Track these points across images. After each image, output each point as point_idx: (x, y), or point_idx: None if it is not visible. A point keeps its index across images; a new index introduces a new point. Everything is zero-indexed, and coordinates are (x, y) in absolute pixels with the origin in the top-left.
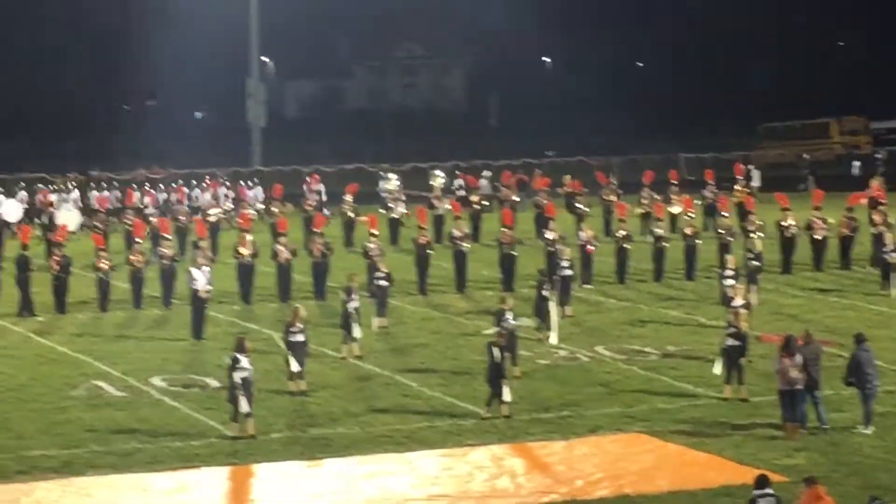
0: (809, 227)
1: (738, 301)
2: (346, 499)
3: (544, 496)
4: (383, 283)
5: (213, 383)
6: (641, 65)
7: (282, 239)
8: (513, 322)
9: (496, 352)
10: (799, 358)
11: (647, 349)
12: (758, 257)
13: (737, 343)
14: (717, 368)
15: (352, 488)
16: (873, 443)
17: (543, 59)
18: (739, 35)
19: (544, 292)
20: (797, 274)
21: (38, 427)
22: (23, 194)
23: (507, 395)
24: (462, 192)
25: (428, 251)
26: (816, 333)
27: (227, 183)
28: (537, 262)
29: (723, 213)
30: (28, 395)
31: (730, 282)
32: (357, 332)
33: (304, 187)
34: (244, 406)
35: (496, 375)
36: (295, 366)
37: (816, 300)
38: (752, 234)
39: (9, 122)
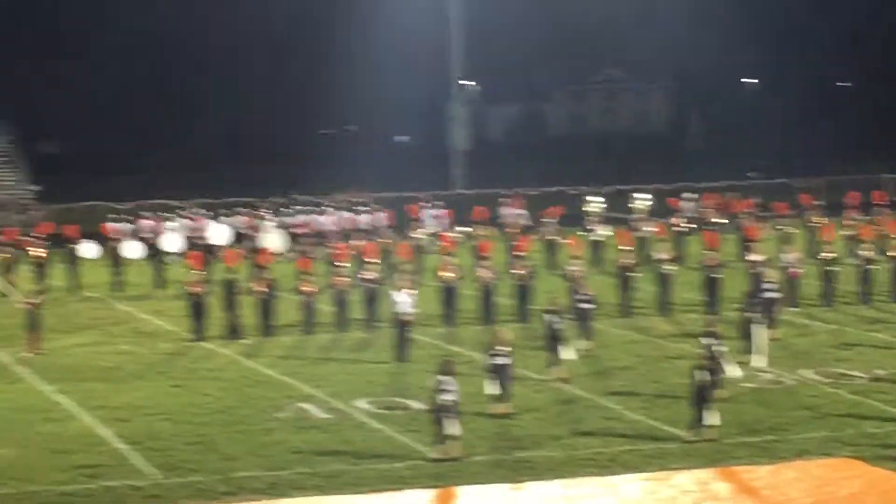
0: None
1: None
2: None
3: None
4: (586, 305)
5: (417, 405)
6: (845, 84)
7: (484, 262)
8: (717, 346)
9: (700, 374)
10: None
11: (853, 372)
12: None
13: None
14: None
15: None
16: None
17: (744, 80)
18: None
19: (749, 315)
20: None
21: (245, 448)
22: (231, 219)
23: (712, 418)
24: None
25: (631, 273)
26: None
27: (433, 205)
28: (741, 284)
29: None
30: (235, 417)
31: None
32: (564, 353)
33: (505, 210)
34: (449, 428)
35: (700, 398)
36: (494, 389)
37: None
38: None
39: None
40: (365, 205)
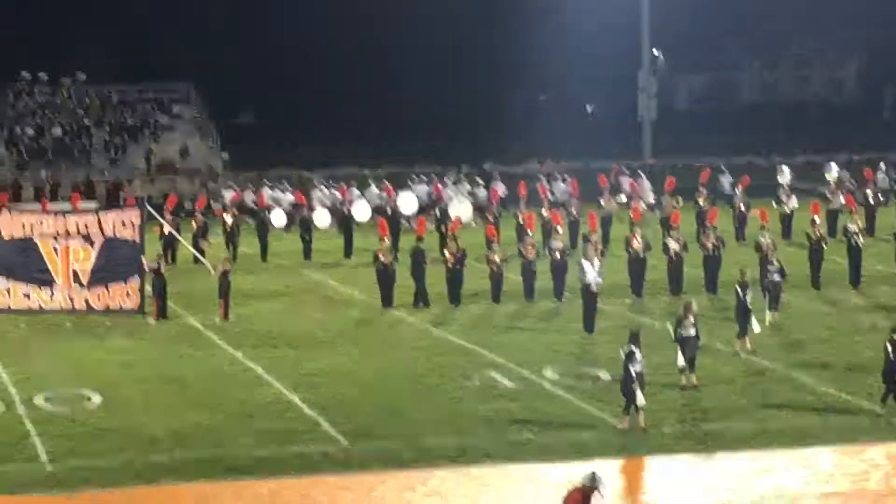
0: None
1: None
2: (738, 495)
3: None
4: (776, 277)
5: (605, 376)
6: None
7: (673, 233)
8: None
9: (893, 347)
10: None
11: None
12: None
13: None
14: None
15: (744, 484)
16: None
17: None
18: None
19: None
20: None
21: (433, 416)
22: (421, 188)
23: None
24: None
25: (820, 245)
26: None
27: (625, 174)
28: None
29: None
30: (424, 385)
31: None
32: (755, 326)
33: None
34: (638, 399)
35: (892, 372)
36: (682, 360)
37: None
38: None
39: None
40: (555, 174)
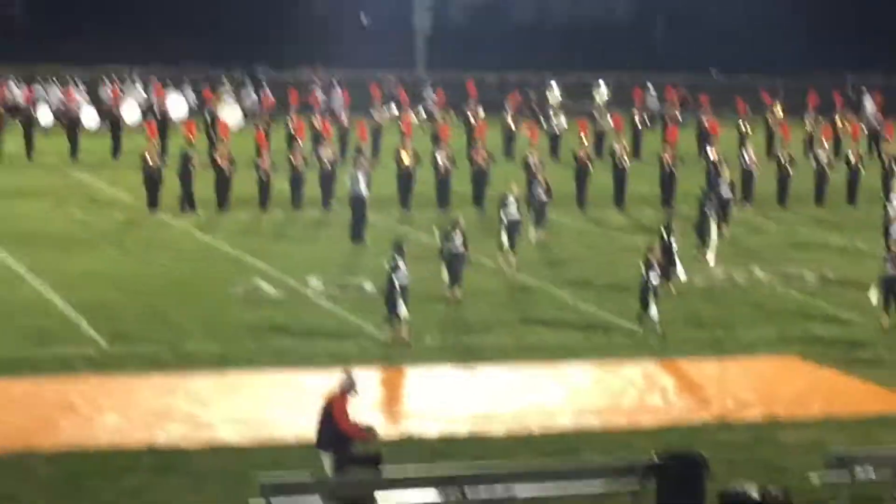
0: None
1: None
2: (498, 408)
3: (695, 415)
4: (542, 195)
5: (370, 287)
6: None
7: (442, 146)
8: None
9: (650, 268)
10: None
11: (804, 273)
12: None
13: None
14: (874, 296)
15: (504, 397)
16: None
17: None
18: None
19: (706, 211)
20: None
21: (196, 321)
22: (187, 91)
23: (657, 312)
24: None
25: (588, 165)
26: None
27: (392, 87)
28: (699, 180)
29: (888, 139)
30: (186, 290)
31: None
32: (515, 241)
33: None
34: (400, 310)
35: (649, 292)
36: (450, 274)
37: None
38: None
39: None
40: (325, 82)
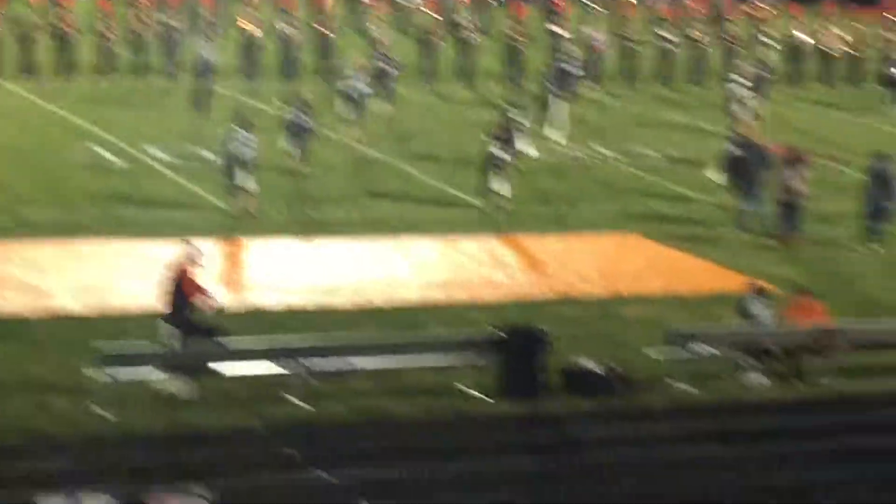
0: (821, 41)
1: (746, 110)
2: (341, 280)
3: (538, 290)
4: (389, 68)
5: (213, 158)
6: None
7: (286, 16)
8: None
9: (494, 143)
10: (804, 170)
11: (648, 151)
12: (767, 68)
13: (740, 153)
14: (714, 175)
15: (347, 270)
16: (867, 258)
17: None
18: None
19: (551, 88)
20: (805, 87)
21: (38, 188)
22: None
23: (504, 187)
24: None
25: (435, 40)
26: (823, 148)
27: None
28: (544, 57)
29: (730, 19)
30: (29, 158)
31: (739, 91)
32: (361, 115)
33: None
34: (244, 182)
35: (494, 167)
36: (295, 147)
37: (824, 114)
38: (762, 44)
39: None
40: None
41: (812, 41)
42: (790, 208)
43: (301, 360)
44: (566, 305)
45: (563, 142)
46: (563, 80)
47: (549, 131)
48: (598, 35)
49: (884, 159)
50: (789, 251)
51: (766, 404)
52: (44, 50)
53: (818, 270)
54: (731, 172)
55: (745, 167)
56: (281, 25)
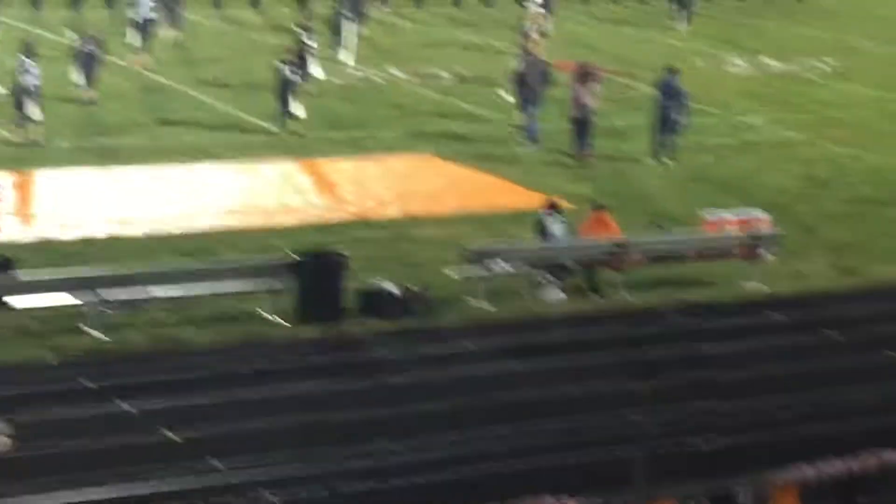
0: None
1: (534, 28)
2: (134, 209)
3: (333, 214)
4: None
5: (1, 90)
6: None
7: None
8: (305, 41)
9: (285, 67)
10: (595, 86)
11: (441, 72)
12: None
13: (523, 69)
14: (505, 93)
15: (141, 199)
16: (659, 172)
17: None
18: None
19: (340, 11)
20: (594, 4)
21: None
22: None
23: (297, 111)
24: None
25: None
26: (612, 64)
27: None
28: None
29: None
30: None
31: (532, 8)
32: (149, 41)
33: None
34: (31, 112)
35: (286, 91)
36: (82, 76)
37: (612, 31)
38: None
39: None
40: None
41: None
42: (582, 124)
43: (96, 290)
44: (363, 228)
45: (353, 63)
46: (353, 1)
47: (342, 54)
48: None
49: (673, 74)
50: (583, 167)
51: (564, 318)
52: None
53: (611, 185)
54: (516, 88)
55: (527, 83)
56: None
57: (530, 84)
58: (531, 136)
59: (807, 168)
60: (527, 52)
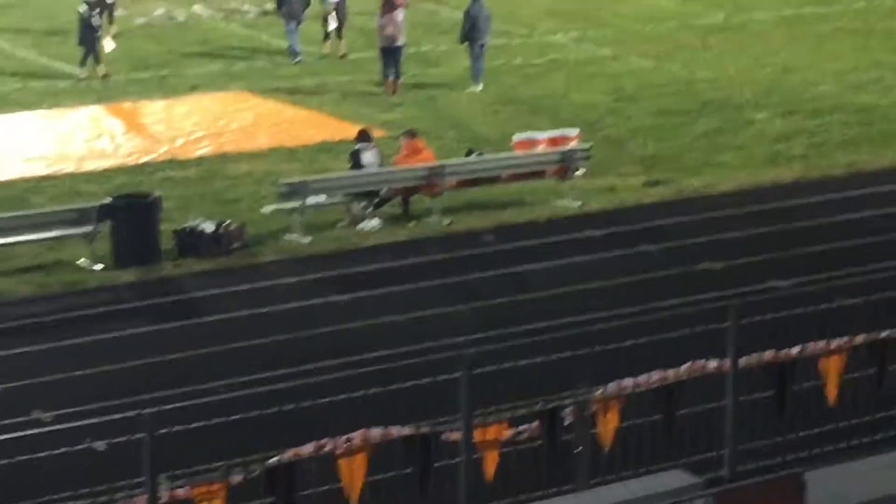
0: None
1: None
2: None
3: (144, 156)
4: None
5: None
6: None
7: None
8: None
9: (85, 9)
10: (399, 14)
11: (245, 7)
12: None
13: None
14: (331, 25)
15: None
16: (471, 97)
17: None
18: None
19: None
20: None
21: None
22: None
23: (101, 54)
24: None
25: None
26: None
27: None
28: None
29: None
30: None
31: None
32: None
33: None
34: None
35: (89, 35)
36: None
37: None
38: None
39: None
40: None
41: None
42: (389, 53)
43: None
44: (176, 167)
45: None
46: None
47: None
48: None
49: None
50: (394, 95)
51: (381, 247)
52: None
53: (423, 112)
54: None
55: (291, 4)
56: None
57: (292, 4)
58: (292, 51)
59: (614, 83)
60: None
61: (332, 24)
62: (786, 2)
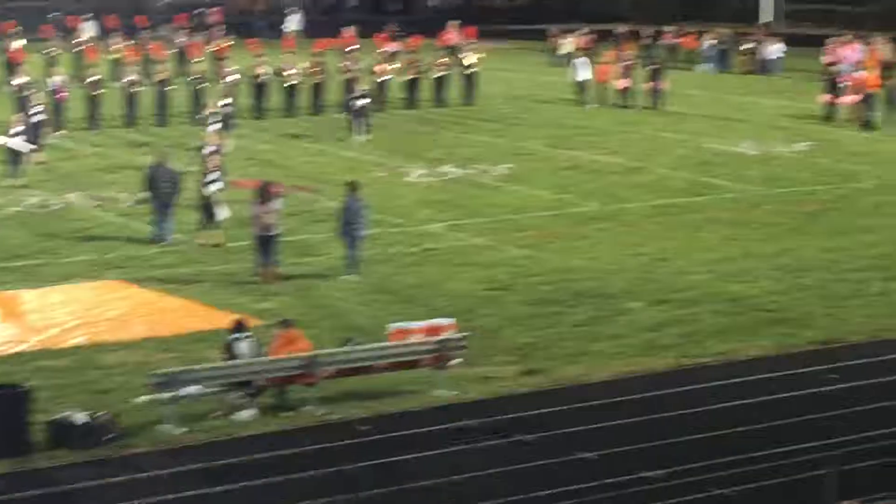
0: (281, 73)
1: (211, 147)
2: None
3: (17, 346)
4: None
5: None
6: None
7: None
8: None
9: None
10: (275, 204)
11: (121, 196)
12: (230, 103)
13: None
14: (224, 214)
15: None
16: (345, 286)
17: None
18: None
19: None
20: (270, 119)
21: None
22: None
23: None
24: None
25: None
26: (292, 179)
27: None
28: (7, 108)
29: (195, 59)
30: None
31: (210, 128)
32: None
33: None
34: None
35: None
36: None
37: (290, 146)
38: (225, 80)
39: None
40: None
41: (273, 74)
42: (265, 242)
43: None
44: (48, 358)
45: (33, 191)
46: (29, 129)
47: (18, 181)
48: (60, 81)
49: (353, 190)
50: (270, 285)
51: (257, 437)
52: None
53: (299, 301)
54: (207, 211)
55: (159, 190)
56: None
57: (161, 192)
58: (161, 238)
59: (488, 272)
60: (155, 161)
61: (223, 214)
62: (658, 192)
